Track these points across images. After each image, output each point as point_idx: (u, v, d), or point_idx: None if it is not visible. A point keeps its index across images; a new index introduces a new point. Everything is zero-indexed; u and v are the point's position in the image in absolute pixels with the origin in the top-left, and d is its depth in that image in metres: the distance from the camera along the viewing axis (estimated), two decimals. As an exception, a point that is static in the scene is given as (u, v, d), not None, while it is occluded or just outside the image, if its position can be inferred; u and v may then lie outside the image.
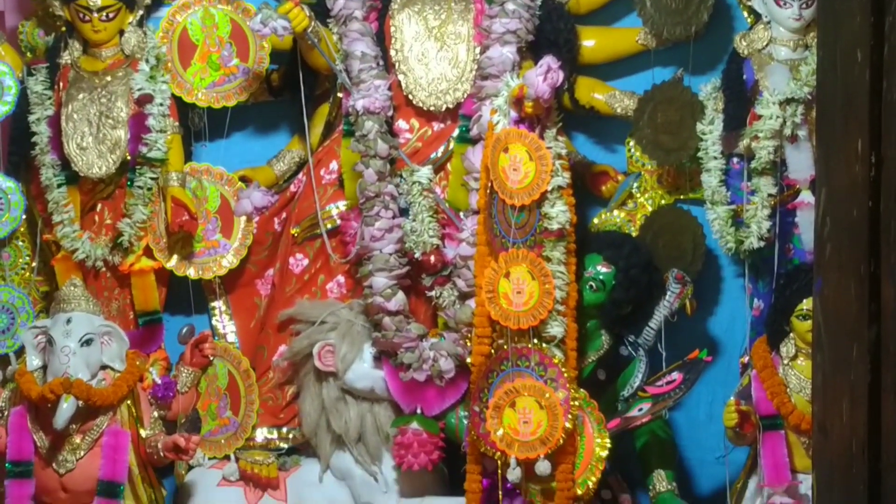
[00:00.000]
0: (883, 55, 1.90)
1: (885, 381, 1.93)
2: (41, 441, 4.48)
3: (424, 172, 4.61)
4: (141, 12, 4.80)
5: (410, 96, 4.73)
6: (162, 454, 4.50)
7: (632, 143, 4.90)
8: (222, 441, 4.84)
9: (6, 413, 4.52)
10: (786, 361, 4.54)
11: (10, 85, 4.68)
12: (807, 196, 4.56)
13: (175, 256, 4.84)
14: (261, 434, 4.88)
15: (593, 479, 4.44)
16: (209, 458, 4.79)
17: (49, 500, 4.52)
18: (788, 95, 4.55)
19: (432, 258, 4.63)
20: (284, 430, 4.89)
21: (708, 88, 4.76)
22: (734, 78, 4.71)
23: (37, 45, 4.81)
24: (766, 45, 4.67)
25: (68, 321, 4.48)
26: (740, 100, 4.67)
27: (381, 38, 4.74)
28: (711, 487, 4.96)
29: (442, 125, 4.78)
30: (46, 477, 4.49)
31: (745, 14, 4.78)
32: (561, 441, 4.27)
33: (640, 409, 4.60)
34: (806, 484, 4.45)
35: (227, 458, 4.81)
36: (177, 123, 4.82)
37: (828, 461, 2.18)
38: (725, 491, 4.82)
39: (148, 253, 4.79)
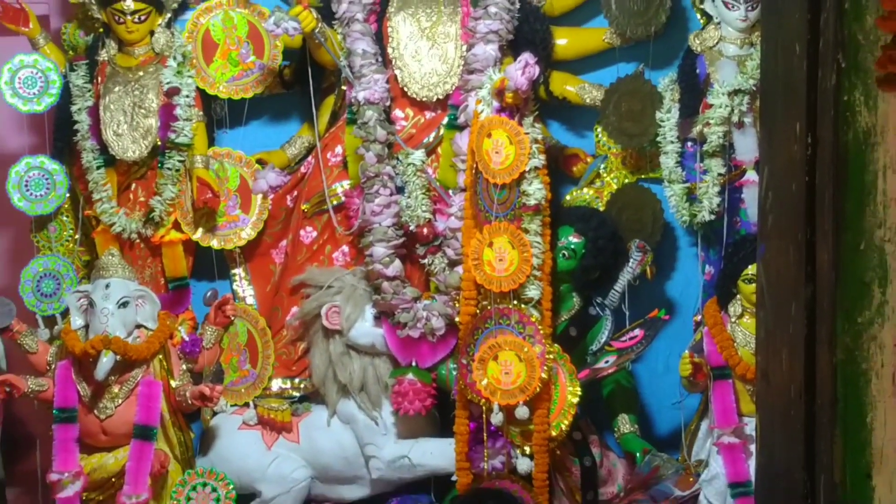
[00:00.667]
0: (818, 48, 1.90)
1: (819, 333, 1.93)
2: (84, 390, 4.49)
3: (418, 155, 4.64)
4: (169, 15, 4.78)
5: (405, 88, 4.72)
6: (190, 402, 4.52)
7: (599, 129, 4.90)
8: (242, 390, 4.85)
9: (53, 366, 4.52)
10: (733, 319, 4.55)
11: (55, 79, 4.67)
12: (752, 175, 4.57)
13: (200, 229, 4.83)
14: (276, 384, 4.89)
15: (566, 422, 4.46)
16: (231, 405, 4.81)
17: (91, 442, 4.52)
18: (736, 87, 4.56)
19: (425, 230, 4.64)
20: (297, 380, 4.90)
21: (666, 81, 4.77)
22: (688, 72, 4.71)
23: (78, 44, 4.79)
24: (717, 42, 4.67)
25: (107, 286, 4.49)
26: (694, 91, 4.68)
27: (380, 38, 4.72)
28: (669, 429, 4.97)
29: (433, 114, 4.77)
30: (89, 422, 4.49)
31: (699, 16, 4.78)
32: (538, 389, 4.29)
33: (607, 362, 4.61)
34: (750, 426, 4.46)
35: (246, 405, 4.81)
36: (201, 112, 4.80)
37: (769, 404, 2.19)
38: (681, 432, 4.84)
39: (176, 226, 4.78)
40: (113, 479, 4.49)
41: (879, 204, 1.85)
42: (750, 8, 4.58)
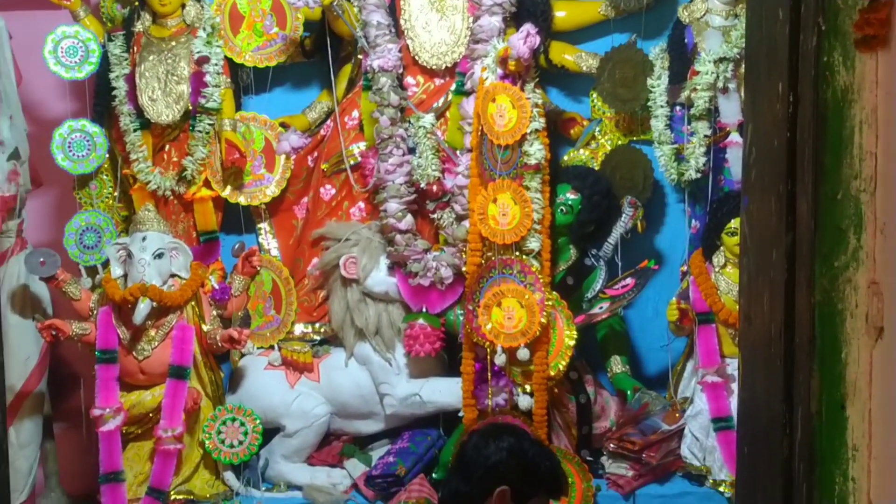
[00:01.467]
0: (800, 13, 1.88)
1: (798, 277, 1.93)
2: (123, 334, 4.50)
3: (428, 118, 4.63)
4: (199, -12, 4.75)
5: (416, 57, 4.70)
6: (220, 344, 4.54)
7: (594, 95, 4.87)
8: (268, 334, 4.86)
9: (95, 312, 4.53)
10: (717, 269, 4.56)
11: (95, 49, 4.64)
12: (735, 136, 4.55)
13: (229, 187, 4.82)
14: (298, 328, 4.90)
15: (563, 363, 4.47)
16: (257, 348, 4.82)
17: (130, 381, 4.54)
18: (721, 55, 4.54)
19: (434, 187, 4.62)
20: (317, 325, 4.91)
21: (656, 50, 4.73)
22: (677, 41, 4.67)
23: (115, 17, 4.76)
24: (704, 14, 4.63)
25: (144, 238, 4.49)
26: (682, 59, 4.65)
27: (393, 10, 4.69)
28: (657, 370, 4.98)
29: (442, 81, 4.75)
30: (128, 363, 4.51)
31: (688, -12, 4.75)
32: (537, 333, 4.30)
33: (601, 308, 4.62)
34: (731, 366, 4.48)
35: (271, 347, 4.82)
36: (229, 79, 4.78)
37: (751, 343, 2.19)
38: (668, 372, 4.86)
39: (207, 184, 4.78)
40: (150, 415, 4.51)
41: (856, 157, 1.84)
42: (735, -19, 4.56)
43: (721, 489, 4.48)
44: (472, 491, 2.53)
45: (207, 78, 4.66)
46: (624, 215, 4.70)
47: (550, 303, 4.40)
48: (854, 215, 1.85)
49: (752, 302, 2.17)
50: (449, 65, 4.70)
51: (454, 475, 2.57)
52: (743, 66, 4.39)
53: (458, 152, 4.62)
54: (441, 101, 4.74)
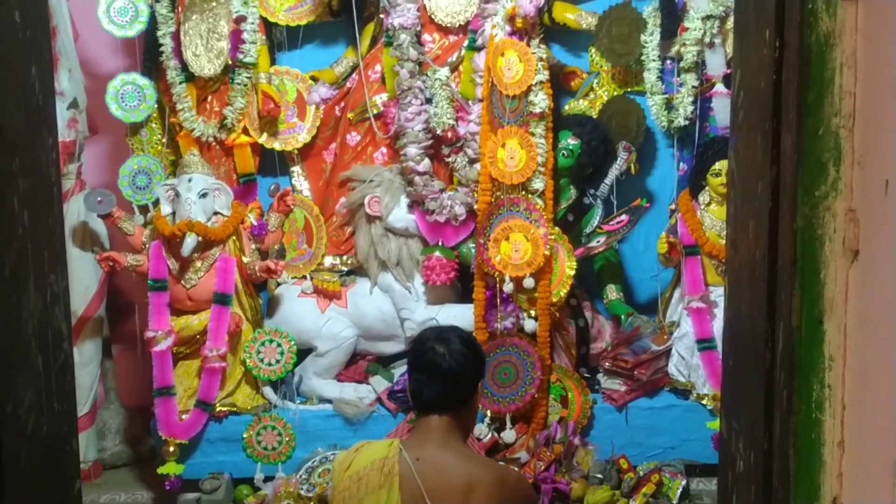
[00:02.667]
0: (786, -34, 1.84)
1: (781, 207, 1.91)
2: (173, 265, 4.50)
3: (443, 72, 4.62)
4: (237, -46, 4.69)
5: (433, 16, 4.66)
6: (258, 274, 4.54)
7: (593, 50, 4.83)
8: (301, 265, 4.86)
9: (147, 245, 4.53)
10: (702, 207, 4.55)
11: (143, 9, 4.59)
12: (720, 87, 4.53)
13: (265, 134, 4.80)
14: (328, 260, 4.90)
15: (564, 290, 4.49)
16: (291, 278, 4.83)
17: (179, 307, 4.55)
18: (708, 13, 4.50)
19: (449, 133, 4.61)
20: (345, 257, 4.91)
21: (649, 9, 4.67)
22: (668, 1, 4.61)
23: (161, -21, 4.72)
24: (693, -25, 4.57)
25: (190, 180, 4.48)
26: (672, 17, 4.60)
27: (412, -28, 4.64)
28: (647, 297, 4.99)
29: (456, 37, 4.71)
30: (177, 290, 4.51)
31: (678, -48, 4.67)
32: (541, 264, 4.33)
33: (598, 242, 4.63)
34: (715, 293, 4.49)
35: (304, 277, 4.83)
36: (264, 37, 4.74)
37: (737, 267, 2.17)
38: (657, 299, 4.86)
39: (245, 131, 4.74)
40: (197, 336, 4.52)
41: (836, 96, 1.81)
42: (721, -57, 4.49)
43: (703, 402, 4.51)
44: (459, 394, 2.57)
45: (245, 35, 4.62)
46: (619, 159, 4.69)
47: (553, 237, 4.41)
48: (834, 149, 1.82)
49: (739, 230, 2.15)
50: (462, 23, 4.66)
51: (432, 384, 2.55)
52: (728, 22, 4.38)
53: (470, 102, 4.59)
54: (455, 55, 4.69)
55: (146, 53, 4.71)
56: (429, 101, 4.62)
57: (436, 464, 2.48)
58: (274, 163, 4.90)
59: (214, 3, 4.64)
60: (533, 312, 4.40)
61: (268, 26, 4.78)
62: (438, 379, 2.56)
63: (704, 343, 4.47)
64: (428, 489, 2.43)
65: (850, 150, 1.81)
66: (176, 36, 4.65)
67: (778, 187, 1.91)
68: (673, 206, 4.70)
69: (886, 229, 1.68)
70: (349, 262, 4.89)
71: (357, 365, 4.79)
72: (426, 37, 4.68)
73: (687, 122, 4.61)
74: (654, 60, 4.63)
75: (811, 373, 1.87)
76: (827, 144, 1.82)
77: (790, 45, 1.85)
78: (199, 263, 4.50)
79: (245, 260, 4.57)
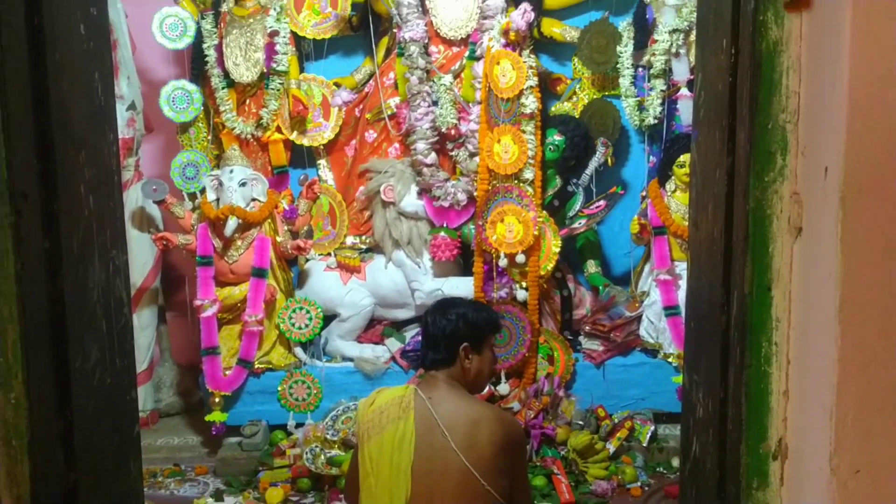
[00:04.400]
0: (740, -17, 1.82)
1: (736, 191, 1.89)
2: (217, 244, 4.50)
3: (447, 78, 4.60)
4: (270, -22, 4.67)
5: (438, 30, 4.63)
6: (290, 251, 4.55)
7: (576, 60, 4.81)
8: (326, 244, 4.86)
9: (195, 227, 4.53)
10: (669, 193, 4.53)
11: (191, 25, 4.59)
12: (684, 91, 4.50)
13: (295, 132, 4.80)
14: (349, 240, 4.89)
15: (550, 265, 4.48)
16: (318, 254, 4.81)
17: (222, 279, 4.55)
18: (674, 27, 4.47)
19: (452, 131, 4.60)
20: (363, 237, 4.90)
21: (624, 24, 4.65)
22: (640, 17, 4.60)
23: (206, 0, 4.68)
24: (661, -5, 4.54)
25: (231, 171, 4.47)
26: (644, 30, 4.58)
27: (420, -7, 4.62)
28: (622, 270, 4.99)
29: (458, 49, 4.68)
30: (221, 265, 4.51)
31: (648, -24, 4.64)
32: (531, 242, 4.32)
33: (580, 223, 4.61)
34: (679, 267, 4.48)
35: (329, 254, 4.82)
36: (294, 48, 4.73)
37: (698, 242, 2.16)
38: (630, 272, 4.86)
39: (278, 129, 4.74)
40: (238, 304, 4.52)
41: (783, 95, 1.80)
42: (685, -31, 4.46)
43: (669, 360, 4.51)
44: (444, 356, 2.59)
45: (278, 47, 4.61)
46: (598, 152, 4.68)
47: (541, 219, 4.41)
48: (781, 141, 1.81)
49: (700, 211, 2.14)
50: (463, 36, 4.63)
51: (426, 347, 2.62)
52: (691, 35, 4.35)
53: (470, 104, 4.57)
54: (457, 64, 4.67)
55: (193, 63, 4.71)
56: (435, 103, 4.60)
57: (446, 401, 2.50)
58: (303, 156, 4.89)
59: (252, 20, 4.62)
60: (524, 284, 4.40)
61: (297, 39, 4.77)
62: (425, 341, 2.63)
63: (670, 309, 4.47)
64: (441, 417, 2.46)
65: (795, 142, 1.80)
66: (219, 48, 4.64)
67: (733, 174, 1.90)
68: (644, 193, 4.68)
69: (825, 209, 1.67)
70: (367, 241, 4.88)
71: (374, 328, 4.79)
72: (433, 48, 4.65)
73: (656, 121, 4.60)
74: (627, 68, 4.61)
75: (761, 332, 1.86)
76: (775, 137, 1.81)
77: (744, 52, 1.83)
78: (239, 242, 4.50)
79: (279, 239, 4.57)
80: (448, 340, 2.58)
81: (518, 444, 2.55)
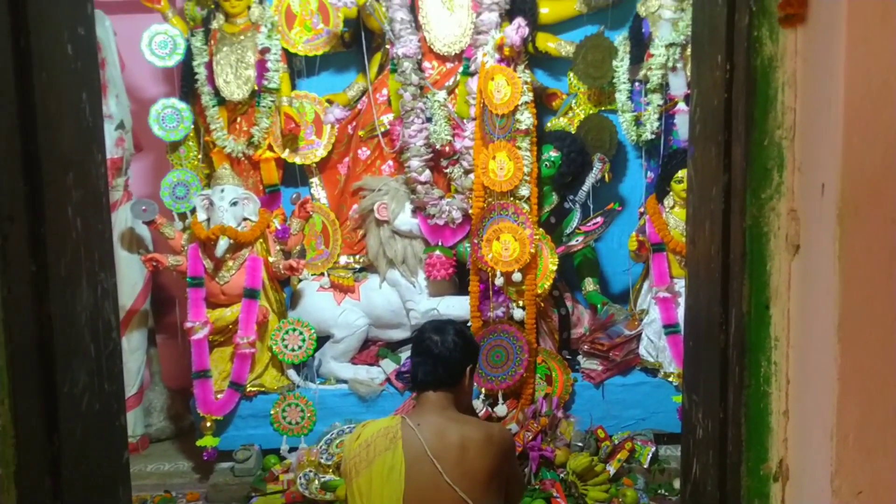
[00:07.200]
0: (735, -1, 1.84)
1: (733, 208, 1.90)
2: (208, 264, 4.50)
3: (441, 94, 4.61)
4: (261, -6, 4.70)
5: (432, 46, 4.65)
6: (282, 272, 4.55)
7: (571, 74, 4.82)
8: (319, 264, 4.86)
9: (186, 248, 4.53)
10: (667, 209, 4.55)
11: (181, 43, 4.60)
12: (682, 105, 4.53)
13: (287, 149, 4.80)
14: (343, 259, 4.90)
15: (548, 283, 4.49)
16: (311, 274, 4.82)
17: (214, 301, 4.54)
18: (671, 41, 4.50)
19: (447, 148, 4.61)
20: (357, 256, 4.90)
21: (620, 38, 4.68)
22: (637, 31, 4.63)
23: (196, 17, 4.70)
24: (657, 9, 4.56)
25: (222, 190, 4.48)
26: (640, 45, 4.61)
27: (413, 8, 4.62)
28: (620, 288, 4.99)
29: (452, 64, 4.70)
30: (212, 286, 4.51)
31: (644, -11, 4.67)
32: (528, 260, 4.32)
33: (577, 241, 4.62)
34: (678, 285, 4.48)
35: (322, 274, 4.82)
36: (285, 65, 4.74)
37: (696, 260, 2.17)
38: (629, 290, 4.86)
39: (270, 148, 4.75)
40: (230, 326, 4.52)
41: (779, 111, 1.81)
42: (681, -17, 4.49)
43: (670, 379, 4.51)
44: (449, 376, 2.60)
45: (269, 64, 4.63)
46: (595, 168, 4.69)
47: (538, 237, 4.41)
48: (777, 157, 1.82)
49: (697, 228, 2.15)
50: (457, 52, 4.65)
51: (427, 367, 2.60)
52: (688, 49, 4.38)
53: (464, 120, 4.59)
54: (451, 80, 4.69)
55: (183, 81, 4.72)
56: (429, 120, 4.61)
57: (434, 427, 2.51)
58: (295, 175, 4.90)
59: (242, 37, 4.64)
60: (521, 302, 4.40)
61: (289, 56, 4.79)
62: (431, 361, 2.60)
63: (670, 328, 4.48)
64: (430, 446, 2.46)
65: (792, 158, 1.81)
66: (209, 65, 4.66)
67: (730, 191, 1.91)
68: (642, 210, 4.69)
69: (823, 226, 1.68)
70: (361, 260, 4.88)
71: (369, 349, 4.79)
72: (426, 64, 4.67)
73: (653, 136, 4.62)
74: (624, 83, 4.64)
75: (760, 351, 1.87)
76: (771, 153, 1.82)
77: (739, 68, 1.85)
78: (230, 263, 4.50)
79: (271, 259, 4.57)
80: (455, 361, 2.60)
81: (509, 455, 2.57)
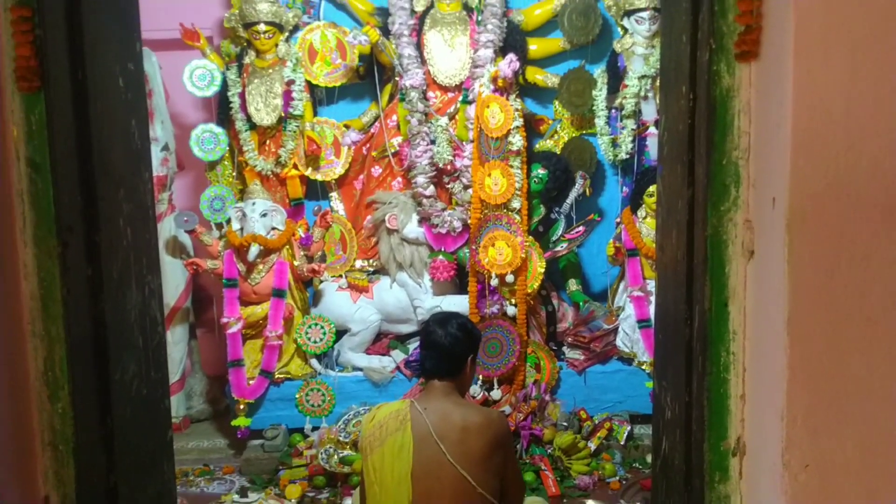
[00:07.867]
0: (697, 38, 1.84)
1: (696, 219, 1.91)
2: (241, 268, 4.49)
3: (444, 120, 4.61)
4: (287, 33, 4.68)
5: (435, 78, 4.65)
6: (306, 274, 4.53)
7: (556, 103, 4.82)
8: (338, 267, 4.85)
9: (222, 253, 4.53)
10: (640, 220, 4.54)
11: (217, 76, 4.61)
12: (652, 129, 4.53)
13: (310, 168, 4.80)
14: (358, 263, 4.88)
15: (536, 284, 4.48)
16: (331, 276, 4.82)
17: (246, 300, 4.52)
18: (643, 73, 4.50)
19: (448, 167, 4.61)
20: (371, 261, 4.89)
21: (598, 71, 4.68)
22: (613, 65, 4.63)
23: (231, 54, 4.72)
24: (631, 45, 4.57)
25: (253, 203, 4.47)
26: (616, 77, 4.61)
27: (419, 45, 4.63)
28: (600, 288, 4.98)
29: (453, 94, 4.69)
30: (244, 287, 4.50)
31: (620, 29, 4.66)
32: (519, 264, 4.31)
33: (562, 247, 4.62)
34: (650, 285, 4.48)
35: (340, 276, 4.82)
36: (308, 95, 4.74)
37: (664, 264, 2.17)
38: (607, 289, 4.86)
39: (295, 166, 4.75)
40: (260, 322, 4.51)
41: (736, 135, 1.82)
42: (652, 23, 4.49)
43: (643, 367, 4.50)
44: (453, 366, 2.58)
45: (294, 94, 4.63)
46: (577, 184, 4.69)
47: (528, 244, 4.41)
48: (734, 175, 1.83)
49: (665, 237, 2.15)
50: (458, 83, 4.65)
51: (433, 357, 2.57)
52: (658, 80, 4.38)
53: (464, 143, 4.59)
54: (452, 108, 4.68)
55: (220, 109, 4.74)
56: (433, 142, 4.61)
57: (439, 411, 2.50)
58: (317, 190, 4.90)
59: (271, 70, 4.65)
60: (513, 300, 4.40)
61: (311, 87, 4.78)
62: (437, 354, 2.58)
63: (643, 322, 4.47)
64: (435, 429, 2.46)
65: (747, 176, 1.82)
66: (242, 95, 4.67)
67: (693, 204, 1.92)
68: (618, 220, 4.68)
69: (774, 235, 1.68)
70: (374, 264, 4.87)
71: (381, 341, 4.78)
72: (431, 94, 4.67)
73: (628, 156, 4.61)
74: (602, 110, 4.64)
75: (720, 343, 1.87)
76: (729, 171, 1.83)
77: (701, 97, 1.86)
78: (261, 266, 4.50)
79: (296, 263, 4.57)
80: (459, 352, 2.58)
81: (505, 439, 2.56)
